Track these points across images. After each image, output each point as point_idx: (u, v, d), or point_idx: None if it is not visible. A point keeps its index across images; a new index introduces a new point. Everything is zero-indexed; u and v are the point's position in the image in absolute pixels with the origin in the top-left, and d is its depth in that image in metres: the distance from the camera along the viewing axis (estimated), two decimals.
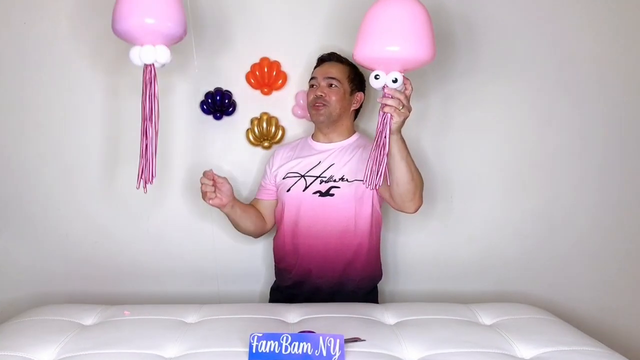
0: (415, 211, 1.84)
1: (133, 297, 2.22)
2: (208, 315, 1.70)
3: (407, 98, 1.59)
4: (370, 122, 2.21)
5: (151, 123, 1.66)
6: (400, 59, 1.51)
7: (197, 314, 1.71)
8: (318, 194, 1.92)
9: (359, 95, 2.01)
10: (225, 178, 1.87)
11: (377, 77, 1.53)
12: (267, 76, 2.18)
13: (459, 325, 1.65)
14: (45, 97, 2.16)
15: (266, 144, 2.22)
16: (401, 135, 1.67)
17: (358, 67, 2.01)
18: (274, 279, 2.15)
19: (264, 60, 2.18)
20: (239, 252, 2.28)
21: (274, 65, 2.18)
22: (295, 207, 1.94)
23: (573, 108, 2.24)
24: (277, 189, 2.02)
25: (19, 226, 2.23)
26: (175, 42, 1.70)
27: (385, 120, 1.59)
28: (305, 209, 1.91)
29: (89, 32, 2.12)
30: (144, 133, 1.67)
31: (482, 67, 2.21)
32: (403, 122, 1.62)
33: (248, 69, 2.18)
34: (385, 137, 1.59)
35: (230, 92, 2.19)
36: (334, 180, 1.91)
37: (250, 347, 1.36)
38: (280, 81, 2.18)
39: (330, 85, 1.94)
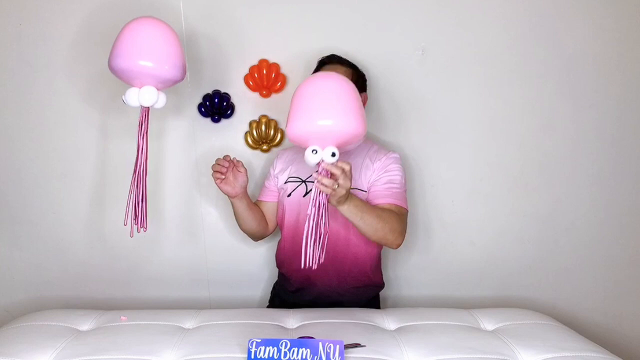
0: (398, 247, 1.84)
1: (130, 302, 2.21)
2: (206, 321, 1.68)
3: (345, 174, 1.54)
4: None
5: (144, 163, 1.69)
6: (334, 132, 1.49)
7: (195, 319, 1.70)
8: None
9: (362, 96, 1.99)
10: (245, 169, 1.85)
11: (315, 151, 1.49)
12: (266, 78, 2.16)
13: (460, 330, 1.63)
14: (42, 101, 2.14)
15: (265, 147, 2.20)
16: (349, 200, 1.63)
17: (359, 67, 2.00)
18: (273, 284, 2.14)
19: (263, 62, 2.16)
20: (235, 257, 2.26)
21: (273, 67, 2.16)
22: (295, 213, 1.92)
23: (576, 110, 2.23)
24: (279, 193, 2.01)
25: (15, 231, 2.21)
26: (173, 84, 1.73)
27: (321, 198, 1.57)
28: (304, 215, 1.86)
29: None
30: (137, 175, 1.69)
31: (483, 69, 2.19)
32: (345, 196, 1.59)
33: (247, 71, 2.17)
34: (321, 217, 1.57)
35: (228, 95, 2.17)
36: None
37: (249, 352, 1.35)
38: (279, 83, 2.16)
39: None
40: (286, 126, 1.58)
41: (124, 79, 1.66)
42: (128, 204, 1.72)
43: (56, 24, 2.10)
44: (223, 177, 1.84)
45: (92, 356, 1.41)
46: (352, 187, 1.80)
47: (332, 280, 1.92)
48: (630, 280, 2.31)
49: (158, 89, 1.67)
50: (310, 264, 1.58)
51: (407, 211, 1.87)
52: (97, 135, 2.17)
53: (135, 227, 1.73)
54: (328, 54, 2.08)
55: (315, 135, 1.49)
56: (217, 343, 1.50)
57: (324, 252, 1.61)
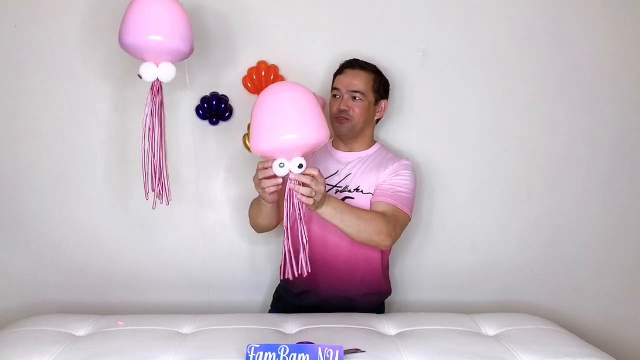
0: (389, 247, 1.81)
1: (127, 307, 2.18)
2: (204, 326, 1.66)
3: (316, 179, 1.54)
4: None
5: (160, 138, 1.67)
6: (299, 145, 1.49)
7: (193, 325, 1.68)
8: None
9: (384, 103, 1.96)
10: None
11: (282, 165, 1.50)
12: (264, 80, 2.14)
13: (462, 336, 1.61)
14: (39, 104, 2.13)
15: None
16: (326, 202, 1.63)
17: (382, 72, 1.96)
18: (276, 287, 2.11)
19: (262, 64, 2.14)
20: (235, 261, 2.24)
21: (272, 69, 2.14)
22: (307, 214, 1.88)
23: (577, 112, 2.22)
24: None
25: (11, 235, 2.19)
26: (184, 58, 1.70)
27: (299, 206, 1.56)
28: (317, 217, 1.85)
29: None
30: (152, 149, 1.67)
31: (484, 72, 2.18)
32: (322, 200, 1.59)
33: (245, 73, 2.15)
34: (301, 223, 1.57)
35: (226, 97, 2.15)
36: (349, 191, 1.86)
37: (247, 358, 1.33)
38: None
39: (354, 98, 1.88)
40: (250, 142, 1.56)
41: (136, 55, 1.63)
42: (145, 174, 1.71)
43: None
44: (276, 189, 1.64)
45: None
46: (367, 192, 1.79)
47: (337, 285, 1.88)
48: (634, 284, 2.29)
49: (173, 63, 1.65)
50: (295, 275, 1.57)
51: (408, 216, 1.83)
52: (94, 139, 2.16)
53: (157, 199, 1.73)
54: (327, 55, 2.07)
55: (281, 149, 1.50)
56: (215, 348, 1.48)
57: (307, 263, 1.58)
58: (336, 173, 1.90)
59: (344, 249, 1.85)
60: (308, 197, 1.52)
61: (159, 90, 1.66)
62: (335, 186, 1.88)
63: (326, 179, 1.81)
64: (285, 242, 1.58)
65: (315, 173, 1.53)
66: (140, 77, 1.64)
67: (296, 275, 1.57)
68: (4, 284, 2.20)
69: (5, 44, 2.09)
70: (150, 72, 1.63)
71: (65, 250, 2.19)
